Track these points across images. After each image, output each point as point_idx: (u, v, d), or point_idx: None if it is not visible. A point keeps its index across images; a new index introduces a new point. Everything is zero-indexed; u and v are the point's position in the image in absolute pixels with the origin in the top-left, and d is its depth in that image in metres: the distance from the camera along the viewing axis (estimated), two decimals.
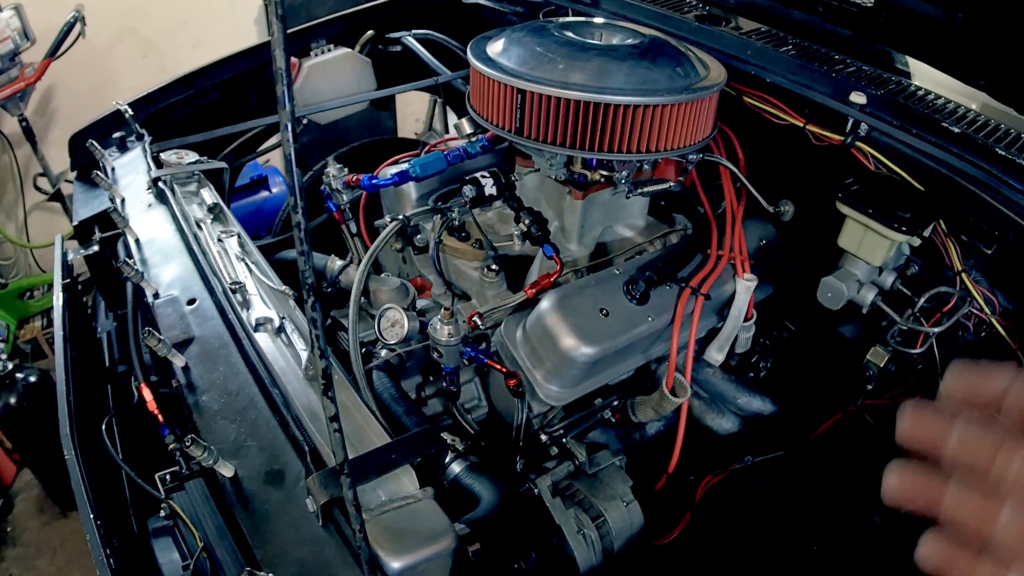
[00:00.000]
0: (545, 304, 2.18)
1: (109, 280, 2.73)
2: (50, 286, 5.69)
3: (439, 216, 2.45)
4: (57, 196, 5.38)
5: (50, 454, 4.30)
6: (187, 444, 1.65)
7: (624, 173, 2.34)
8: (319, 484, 1.54)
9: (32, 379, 4.25)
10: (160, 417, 2.03)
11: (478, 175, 2.41)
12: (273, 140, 3.47)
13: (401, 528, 1.56)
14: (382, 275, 2.44)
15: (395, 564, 1.50)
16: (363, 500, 1.58)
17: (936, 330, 2.27)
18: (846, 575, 2.28)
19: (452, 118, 3.11)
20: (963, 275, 2.33)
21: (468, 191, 2.37)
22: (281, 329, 2.04)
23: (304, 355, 1.93)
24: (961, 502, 0.80)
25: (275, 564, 1.51)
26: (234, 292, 2.12)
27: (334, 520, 1.58)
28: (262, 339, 2.00)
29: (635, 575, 2.22)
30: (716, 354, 2.49)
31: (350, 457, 1.54)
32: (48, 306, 5.64)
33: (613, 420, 2.42)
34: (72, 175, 3.06)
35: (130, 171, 2.78)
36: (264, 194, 4.68)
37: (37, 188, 5.54)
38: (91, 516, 1.86)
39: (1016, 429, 0.77)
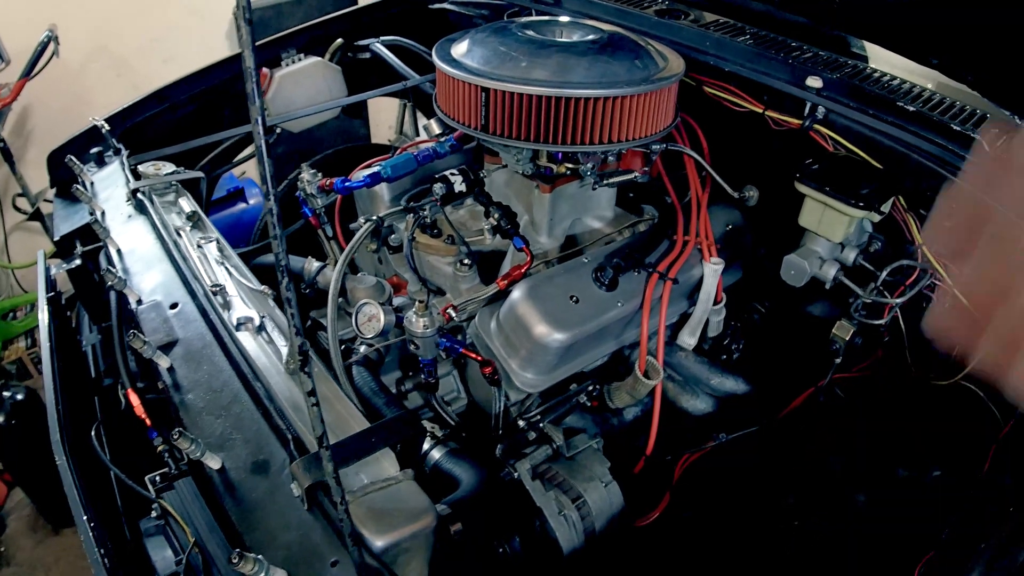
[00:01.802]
0: (516, 294, 2.24)
1: (92, 293, 2.77)
2: (33, 305, 5.70)
3: (411, 215, 2.50)
4: (36, 215, 5.39)
5: (40, 472, 4.34)
6: (175, 437, 1.70)
7: (589, 165, 2.39)
8: (303, 468, 1.59)
9: (19, 397, 4.25)
10: (147, 421, 2.07)
11: (447, 173, 2.46)
12: (249, 150, 3.51)
13: (383, 508, 1.62)
14: (358, 275, 2.49)
15: (379, 542, 1.55)
16: (346, 483, 1.63)
17: (899, 301, 2.33)
18: (826, 549, 2.32)
19: (422, 121, 3.15)
20: (924, 248, 2.39)
21: (438, 189, 2.43)
22: (262, 327, 2.09)
23: (285, 350, 1.99)
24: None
25: (263, 549, 1.56)
26: (215, 294, 2.17)
27: (319, 504, 1.63)
28: (244, 338, 2.06)
29: (618, 556, 2.27)
30: (688, 338, 2.56)
31: (332, 443, 1.60)
32: (31, 326, 5.64)
33: (590, 406, 2.47)
34: (51, 193, 3.10)
35: (109, 184, 2.83)
36: (241, 206, 4.71)
37: (16, 208, 5.55)
38: (84, 517, 1.89)
39: None
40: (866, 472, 2.40)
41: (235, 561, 1.44)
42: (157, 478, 1.92)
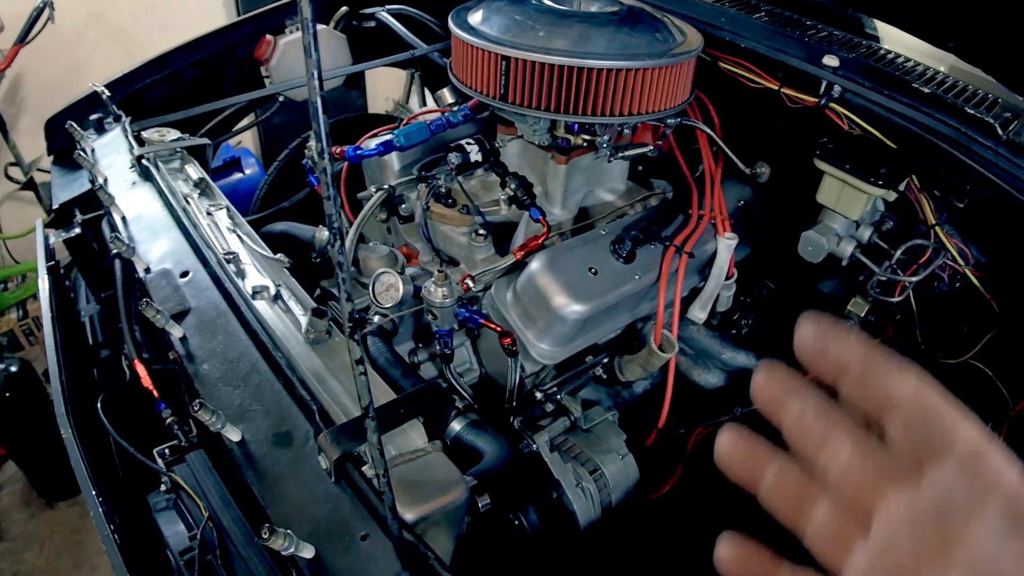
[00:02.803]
0: (535, 264, 2.22)
1: (91, 262, 2.74)
2: (24, 276, 5.64)
3: (425, 184, 2.48)
4: (30, 185, 5.34)
5: (34, 445, 4.31)
6: (195, 409, 1.66)
7: (606, 137, 2.39)
8: (331, 441, 1.56)
9: (13, 368, 4.20)
10: (155, 392, 2.04)
11: (463, 142, 2.45)
12: (249, 118, 3.48)
13: (413, 480, 1.60)
14: (370, 244, 2.47)
15: (410, 515, 1.53)
16: (372, 454, 1.61)
17: (913, 279, 2.33)
18: None
19: (426, 93, 3.13)
20: (936, 228, 2.39)
21: (454, 158, 2.41)
22: (278, 296, 2.06)
23: (304, 320, 1.96)
24: (780, 487, 0.76)
25: (289, 524, 1.52)
26: (228, 262, 2.13)
27: (347, 476, 1.60)
28: (260, 307, 2.02)
29: (632, 529, 2.26)
30: (699, 312, 2.55)
31: (355, 415, 1.58)
32: (23, 297, 5.57)
33: (604, 378, 2.46)
34: (45, 163, 3.05)
35: (111, 151, 2.78)
36: (238, 175, 4.67)
37: (9, 178, 5.48)
38: (92, 492, 1.87)
39: (850, 413, 0.72)
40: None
41: (265, 536, 1.42)
42: (167, 451, 1.89)
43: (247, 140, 5.23)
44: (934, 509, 0.62)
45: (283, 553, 1.46)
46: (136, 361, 2.14)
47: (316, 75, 0.94)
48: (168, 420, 1.97)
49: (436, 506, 1.57)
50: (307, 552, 1.48)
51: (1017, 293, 2.42)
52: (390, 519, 1.35)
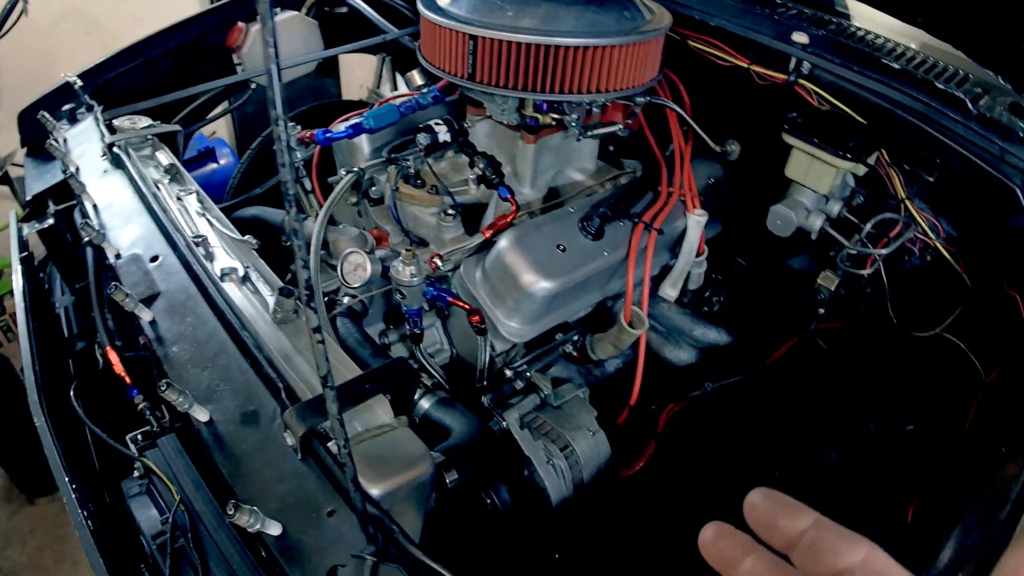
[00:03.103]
0: (504, 242, 2.23)
1: (65, 253, 2.73)
2: (1, 273, 5.61)
3: (394, 166, 2.48)
4: (4, 179, 5.30)
5: (14, 440, 4.27)
6: (162, 389, 1.66)
7: (574, 116, 2.39)
8: (296, 416, 1.57)
9: None
10: (127, 379, 2.04)
11: (431, 123, 2.45)
12: (223, 106, 3.47)
13: (379, 455, 1.60)
14: (340, 226, 2.47)
15: (375, 490, 1.53)
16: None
17: (883, 251, 2.35)
18: (808, 498, 2.33)
19: (398, 78, 3.13)
20: (907, 202, 2.41)
21: (423, 139, 2.42)
22: (246, 278, 2.06)
23: (271, 300, 1.96)
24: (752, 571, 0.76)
25: (257, 502, 1.52)
26: (197, 245, 2.13)
27: (313, 453, 1.60)
28: (228, 288, 2.02)
29: (605, 506, 2.27)
30: (670, 290, 2.56)
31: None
32: (1, 293, 5.55)
33: (575, 355, 2.47)
34: (20, 156, 3.04)
35: (83, 140, 2.78)
36: (212, 166, 4.65)
37: None
38: (66, 479, 1.87)
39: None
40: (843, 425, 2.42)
41: (231, 513, 1.42)
42: (139, 436, 1.89)
43: (221, 130, 5.22)
44: None
45: (249, 530, 1.46)
46: (108, 348, 2.13)
47: (272, 43, 0.95)
48: (140, 406, 1.96)
49: (402, 481, 1.57)
50: (274, 529, 1.49)
51: (988, 266, 2.43)
52: (352, 492, 1.35)
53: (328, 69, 4.02)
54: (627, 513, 2.30)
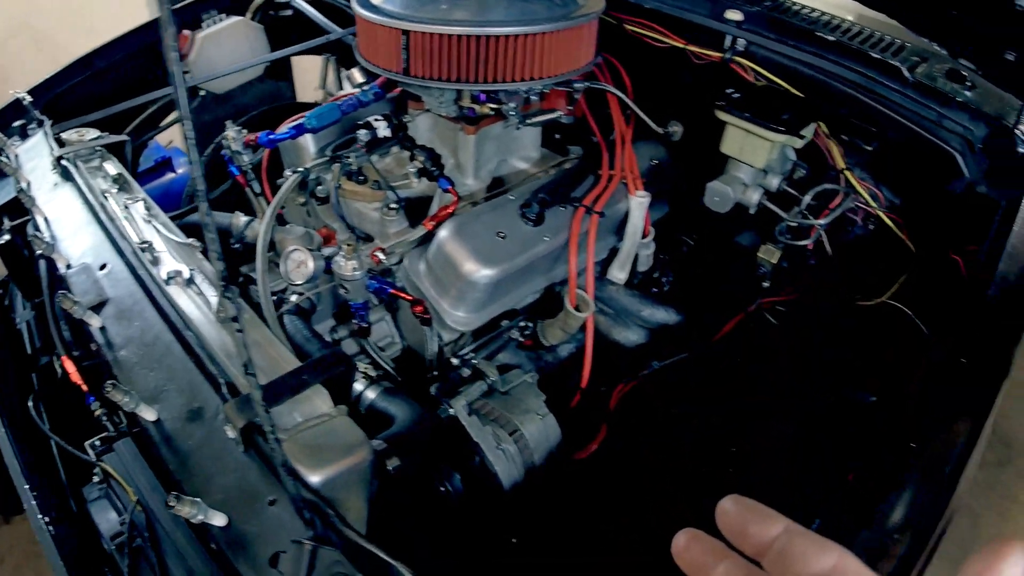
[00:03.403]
0: (443, 233, 2.26)
1: (23, 269, 2.75)
2: None
3: (337, 164, 2.50)
4: None
5: None
6: (108, 390, 1.70)
7: (512, 104, 2.42)
8: (236, 409, 1.60)
9: None
10: (84, 386, 2.07)
11: (371, 119, 2.47)
12: (175, 114, 3.48)
13: (318, 444, 1.63)
14: (287, 226, 2.50)
15: (314, 478, 1.56)
16: (280, 423, 1.64)
17: (823, 222, 2.38)
18: (763, 475, 2.36)
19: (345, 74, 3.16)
20: (847, 172, 2.44)
21: (363, 135, 2.44)
22: (191, 280, 2.08)
23: (215, 300, 1.99)
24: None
25: (202, 494, 1.56)
26: (143, 251, 2.16)
27: (255, 445, 1.64)
28: (174, 291, 2.05)
29: (559, 489, 2.29)
30: (618, 272, 2.59)
31: (264, 384, 1.62)
32: None
33: (524, 344, 2.51)
34: None
35: (34, 155, 2.79)
36: (170, 176, 4.61)
37: None
38: (26, 486, 1.90)
39: None
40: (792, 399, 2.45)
41: (172, 505, 1.45)
42: (97, 442, 1.92)
43: (178, 140, 5.20)
44: None
45: (193, 521, 1.49)
46: (64, 357, 2.16)
47: (174, 47, 0.98)
48: (97, 412, 1.99)
49: (340, 468, 1.60)
50: (219, 520, 1.52)
51: (931, 232, 2.47)
52: (284, 477, 1.38)
53: (281, 72, 4.02)
54: (582, 495, 2.32)
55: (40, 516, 1.85)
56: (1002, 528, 3.66)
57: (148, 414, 1.76)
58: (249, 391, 1.62)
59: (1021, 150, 2.29)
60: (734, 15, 2.57)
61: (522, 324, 2.47)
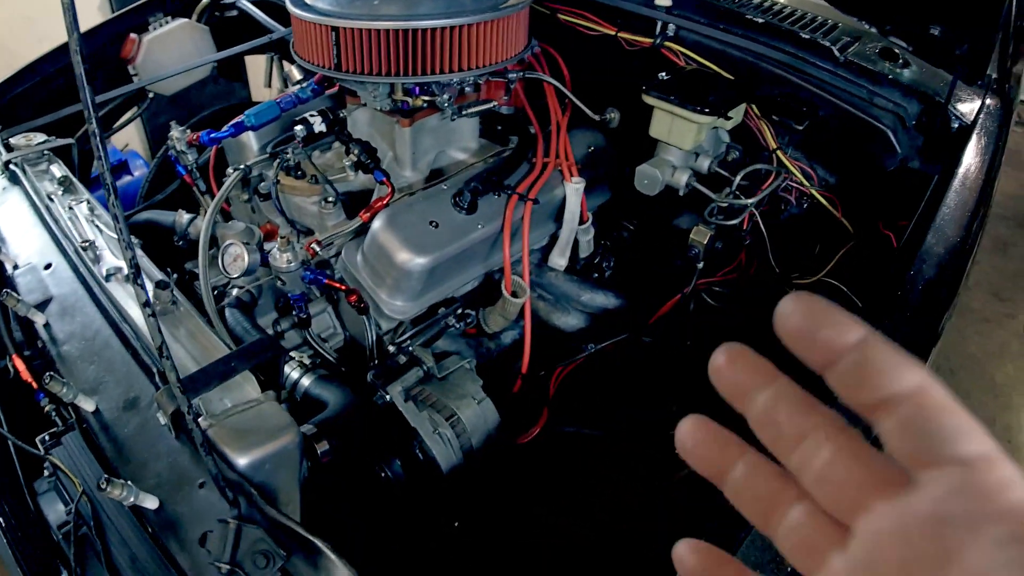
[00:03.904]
0: (377, 223, 2.31)
1: None
2: None
3: (276, 159, 2.54)
4: None
5: None
6: (46, 382, 1.75)
7: (446, 96, 2.46)
8: (167, 397, 1.64)
9: None
10: (34, 384, 2.11)
11: (307, 115, 2.50)
12: (127, 115, 3.51)
13: (245, 428, 1.67)
14: (229, 222, 2.54)
15: (241, 460, 1.60)
16: (208, 408, 1.69)
17: (752, 201, 2.43)
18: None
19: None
20: (778, 152, 2.50)
21: (299, 131, 2.47)
22: (129, 276, 2.13)
23: (152, 292, 2.03)
24: (747, 485, 0.64)
25: (136, 479, 1.61)
26: (85, 250, 2.20)
27: (186, 431, 1.68)
28: (114, 287, 2.10)
29: (502, 474, 2.34)
30: (558, 258, 2.64)
31: (194, 372, 1.66)
32: None
33: (465, 331, 2.56)
34: None
35: None
36: (127, 179, 4.63)
37: None
38: None
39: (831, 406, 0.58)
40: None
41: (103, 487, 1.50)
42: (46, 437, 1.96)
43: (135, 142, 5.22)
44: (928, 524, 0.52)
45: (126, 504, 1.54)
46: (14, 356, 2.20)
47: (77, 40, 1.02)
48: (47, 408, 2.03)
49: (267, 451, 1.64)
50: (150, 503, 1.57)
51: (865, 208, 2.52)
52: (204, 456, 1.43)
53: (235, 73, 4.06)
54: (523, 480, 2.36)
55: None
56: None
57: (87, 404, 1.81)
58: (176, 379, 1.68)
59: (955, 126, 2.34)
60: (663, 1, 2.62)
61: (460, 312, 2.51)
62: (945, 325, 1.96)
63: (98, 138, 1.13)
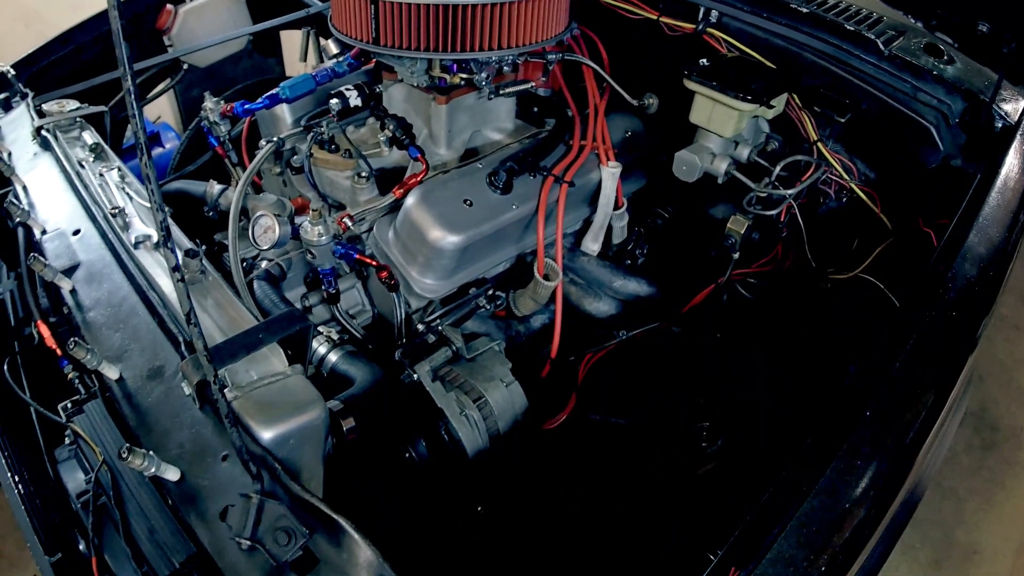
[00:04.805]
0: (410, 200, 2.28)
1: (5, 239, 2.77)
2: None
3: (310, 133, 2.51)
4: None
5: None
6: (71, 347, 1.72)
7: (484, 74, 2.43)
8: (192, 366, 1.61)
9: None
10: (59, 351, 2.09)
11: (343, 89, 2.48)
12: (160, 87, 3.50)
13: (271, 401, 1.64)
14: (260, 194, 2.51)
15: (266, 434, 1.57)
16: (234, 380, 1.67)
17: (791, 192, 2.38)
18: (736, 449, 2.35)
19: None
20: (819, 144, 2.45)
21: (334, 104, 2.45)
22: (159, 243, 2.11)
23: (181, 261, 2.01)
24: None
25: (159, 449, 1.59)
26: (114, 217, 2.18)
27: (211, 402, 1.66)
28: (142, 255, 2.07)
29: (529, 459, 2.31)
30: (592, 244, 2.60)
31: (221, 342, 1.63)
32: None
33: (495, 313, 2.52)
34: None
35: (16, 127, 2.82)
36: (159, 151, 4.59)
37: None
38: None
39: None
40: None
41: (124, 456, 1.47)
42: (68, 404, 1.93)
43: (167, 115, 5.20)
44: None
45: (146, 474, 1.52)
46: (39, 322, 2.18)
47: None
48: (70, 375, 2.01)
49: (293, 425, 1.61)
50: (172, 474, 1.55)
51: (904, 204, 2.47)
52: (228, 428, 1.40)
53: (270, 48, 4.03)
54: (552, 465, 2.33)
55: (10, 475, 1.87)
56: (987, 513, 3.66)
57: (111, 372, 1.79)
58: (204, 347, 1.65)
59: (999, 125, 2.30)
60: None
61: (491, 293, 2.47)
62: (983, 331, 1.92)
63: (133, 96, 1.09)
